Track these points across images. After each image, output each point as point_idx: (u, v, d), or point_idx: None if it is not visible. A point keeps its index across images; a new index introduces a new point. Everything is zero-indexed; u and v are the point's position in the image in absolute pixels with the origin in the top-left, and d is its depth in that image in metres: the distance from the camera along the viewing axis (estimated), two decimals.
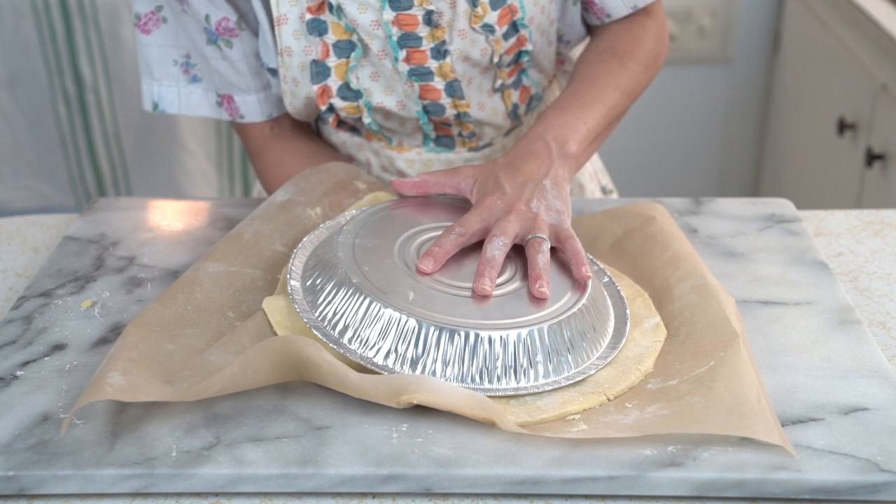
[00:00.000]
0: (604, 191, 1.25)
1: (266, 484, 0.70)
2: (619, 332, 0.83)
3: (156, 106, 1.09)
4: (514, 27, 1.01)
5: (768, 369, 0.79)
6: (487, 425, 0.73)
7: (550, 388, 0.76)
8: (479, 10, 0.98)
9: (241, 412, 0.75)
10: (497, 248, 0.83)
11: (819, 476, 0.69)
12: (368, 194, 0.99)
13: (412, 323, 0.76)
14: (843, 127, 1.86)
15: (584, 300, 0.81)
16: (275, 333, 0.81)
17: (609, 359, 0.80)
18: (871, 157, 1.72)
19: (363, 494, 0.71)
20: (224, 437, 0.73)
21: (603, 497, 0.70)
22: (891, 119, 1.68)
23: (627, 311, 0.85)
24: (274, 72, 1.04)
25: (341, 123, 1.09)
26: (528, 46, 1.03)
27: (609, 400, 0.76)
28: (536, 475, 0.69)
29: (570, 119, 0.94)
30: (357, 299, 0.78)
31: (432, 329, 0.76)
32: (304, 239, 0.88)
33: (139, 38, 1.05)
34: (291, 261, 0.85)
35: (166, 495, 0.71)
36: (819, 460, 0.70)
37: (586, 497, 0.70)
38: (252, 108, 1.07)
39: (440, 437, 0.72)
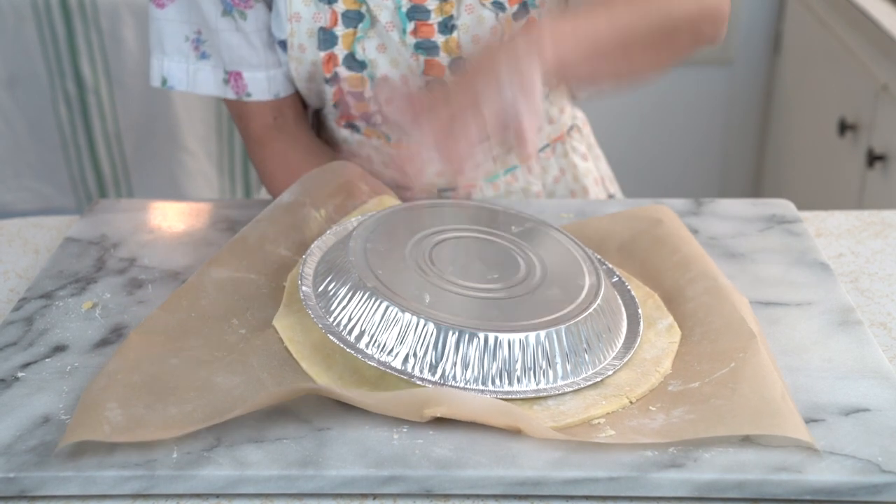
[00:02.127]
0: (610, 198, 1.25)
1: (267, 485, 0.70)
2: (633, 333, 0.83)
3: (164, 81, 1.07)
4: (525, 7, 1.01)
5: None
6: (489, 429, 0.72)
7: (570, 389, 0.76)
8: None
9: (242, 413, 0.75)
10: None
11: (820, 477, 0.69)
12: (373, 198, 0.99)
13: (430, 327, 0.76)
14: (843, 127, 1.85)
15: (598, 301, 0.81)
16: (285, 349, 0.81)
17: (626, 359, 0.80)
18: (872, 158, 1.72)
19: (364, 495, 0.70)
20: (225, 439, 0.72)
21: (604, 498, 0.70)
22: (891, 119, 1.68)
23: (640, 311, 0.85)
24: (284, 45, 1.04)
25: (339, 105, 1.08)
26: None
27: (631, 402, 0.76)
28: (537, 476, 0.69)
29: (559, 24, 0.87)
30: (373, 304, 0.78)
31: (451, 332, 0.76)
32: (313, 245, 0.88)
33: (153, 12, 1.04)
34: (301, 267, 0.84)
35: (167, 496, 0.71)
36: (820, 461, 0.70)
37: (587, 498, 0.70)
38: (260, 86, 1.06)
39: (441, 438, 0.72)
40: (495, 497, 0.70)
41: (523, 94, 0.82)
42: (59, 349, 0.84)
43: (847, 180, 1.87)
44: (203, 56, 1.06)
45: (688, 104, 2.34)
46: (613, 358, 0.80)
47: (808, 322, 0.86)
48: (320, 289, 0.82)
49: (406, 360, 0.76)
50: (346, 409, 0.75)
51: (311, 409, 0.75)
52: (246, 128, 1.12)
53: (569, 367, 0.77)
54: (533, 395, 0.75)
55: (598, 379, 0.77)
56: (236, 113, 1.12)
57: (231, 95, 1.07)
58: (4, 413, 0.76)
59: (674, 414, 0.74)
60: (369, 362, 0.76)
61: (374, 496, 0.70)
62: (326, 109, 1.11)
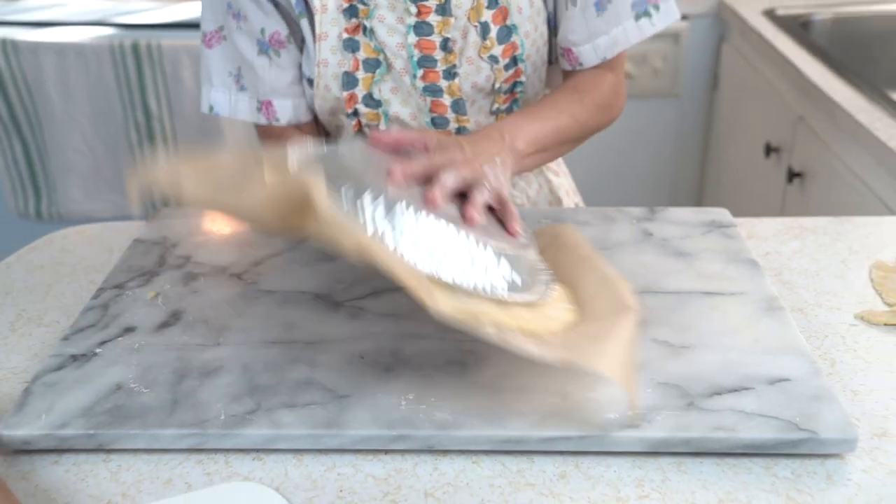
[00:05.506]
0: (577, 206, 1.24)
1: (298, 442, 0.70)
2: (543, 291, 0.77)
3: (211, 108, 1.07)
4: (514, 60, 1.01)
5: (709, 348, 0.79)
6: (481, 397, 0.72)
7: (484, 293, 0.70)
8: (487, 42, 0.98)
9: (278, 383, 0.74)
10: (450, 176, 0.78)
11: (750, 435, 0.69)
12: None
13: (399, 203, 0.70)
14: (769, 150, 1.85)
15: (534, 252, 0.78)
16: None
17: (535, 297, 0.74)
18: (792, 175, 1.72)
19: (377, 451, 0.70)
20: (264, 404, 0.72)
21: (575, 453, 0.70)
22: (807, 144, 1.68)
23: (550, 277, 0.80)
24: (311, 82, 1.03)
25: (357, 134, 1.07)
26: (523, 78, 1.03)
27: (521, 329, 0.71)
28: (519, 435, 0.69)
29: (524, 123, 0.94)
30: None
31: (404, 203, 0.70)
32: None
33: (203, 51, 1.05)
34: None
35: (216, 451, 0.70)
36: (750, 422, 0.69)
37: (561, 453, 0.70)
38: (287, 113, 1.06)
39: (441, 404, 0.72)
40: (486, 452, 0.70)
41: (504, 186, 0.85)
42: (129, 330, 0.83)
43: (771, 193, 1.87)
44: (242, 88, 1.06)
45: (644, 130, 2.33)
46: (526, 291, 0.74)
47: (741, 308, 0.85)
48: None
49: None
50: (363, 380, 0.75)
51: (334, 380, 0.75)
52: (266, 141, 1.10)
53: (489, 280, 0.71)
54: (449, 283, 0.69)
55: (505, 296, 0.72)
56: (264, 133, 1.10)
57: (263, 121, 1.06)
58: (85, 382, 0.75)
59: (543, 341, 0.70)
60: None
61: (386, 451, 0.70)
62: (346, 118, 1.10)
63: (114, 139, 2.10)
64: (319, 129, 1.12)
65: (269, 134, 1.10)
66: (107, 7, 2.04)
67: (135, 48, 1.99)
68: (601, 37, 1.01)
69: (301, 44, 1.03)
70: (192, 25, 2.04)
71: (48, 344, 0.84)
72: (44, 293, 0.94)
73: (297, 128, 1.08)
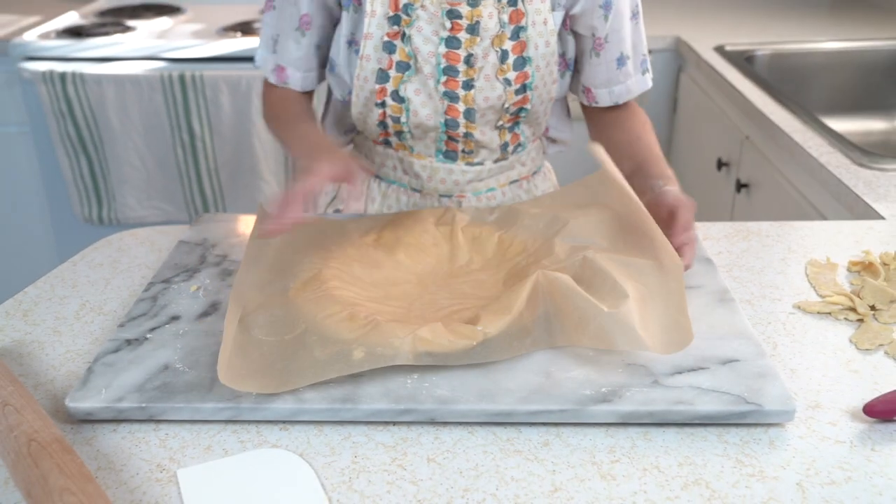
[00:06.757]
0: None
1: (319, 415, 0.69)
2: None
3: (256, 62, 1.10)
4: (524, 87, 1.01)
5: None
6: (475, 377, 0.71)
7: None
8: (504, 66, 0.99)
9: None
10: None
11: (705, 407, 0.68)
12: None
13: None
14: (720, 164, 1.85)
15: None
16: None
17: None
18: (740, 186, 1.71)
19: (387, 423, 0.69)
20: None
21: (556, 424, 0.69)
22: (752, 159, 1.68)
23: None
24: (332, 64, 1.04)
25: (381, 125, 1.05)
26: (528, 106, 1.03)
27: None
28: (509, 409, 0.68)
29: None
30: None
31: None
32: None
33: (264, 15, 1.07)
34: None
35: (249, 422, 0.70)
36: (706, 396, 0.69)
37: (544, 424, 0.69)
38: (295, 82, 1.07)
39: (441, 382, 0.71)
40: (479, 424, 0.69)
41: None
42: (175, 318, 0.83)
43: (723, 201, 1.87)
44: (273, 51, 1.07)
45: None
46: None
47: (699, 299, 0.85)
48: None
49: None
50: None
51: None
52: (268, 93, 1.11)
53: None
54: None
55: None
56: (267, 87, 1.11)
57: (274, 80, 1.08)
58: (138, 363, 0.75)
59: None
60: None
61: (394, 423, 0.69)
62: (368, 132, 1.09)
63: (163, 156, 2.09)
64: (308, 103, 1.11)
65: (270, 89, 1.10)
66: (158, 45, 2.04)
67: (181, 79, 1.98)
68: (617, 85, 1.06)
69: (325, 31, 1.04)
70: (228, 59, 2.03)
71: (107, 330, 0.84)
72: (103, 286, 0.93)
73: (300, 94, 1.09)
